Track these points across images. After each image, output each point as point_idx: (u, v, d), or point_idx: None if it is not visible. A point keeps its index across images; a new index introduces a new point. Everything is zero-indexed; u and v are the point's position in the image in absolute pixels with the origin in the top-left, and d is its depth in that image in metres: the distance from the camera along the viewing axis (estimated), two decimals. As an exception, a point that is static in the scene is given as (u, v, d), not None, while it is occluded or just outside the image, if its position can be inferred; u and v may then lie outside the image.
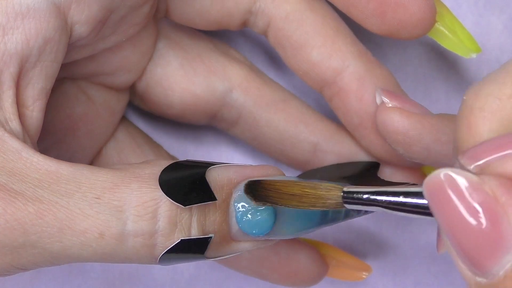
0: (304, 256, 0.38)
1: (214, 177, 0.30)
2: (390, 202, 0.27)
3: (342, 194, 0.29)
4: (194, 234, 0.30)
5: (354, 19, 0.36)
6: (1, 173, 0.29)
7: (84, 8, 0.31)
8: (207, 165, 0.31)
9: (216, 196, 0.30)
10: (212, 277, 0.42)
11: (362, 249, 0.41)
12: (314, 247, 0.39)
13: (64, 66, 0.33)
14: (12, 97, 0.30)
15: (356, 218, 0.34)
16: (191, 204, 0.29)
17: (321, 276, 0.39)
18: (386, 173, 0.38)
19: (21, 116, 0.30)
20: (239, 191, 0.31)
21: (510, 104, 0.27)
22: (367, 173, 0.38)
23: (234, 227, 0.31)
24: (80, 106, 0.37)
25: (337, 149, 0.39)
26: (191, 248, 0.30)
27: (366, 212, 0.33)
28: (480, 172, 0.25)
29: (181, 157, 0.41)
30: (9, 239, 0.28)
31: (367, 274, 0.40)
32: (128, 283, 0.41)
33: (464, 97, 0.28)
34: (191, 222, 0.30)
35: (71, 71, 0.36)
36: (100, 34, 0.33)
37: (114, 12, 0.33)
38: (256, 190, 0.30)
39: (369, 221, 0.42)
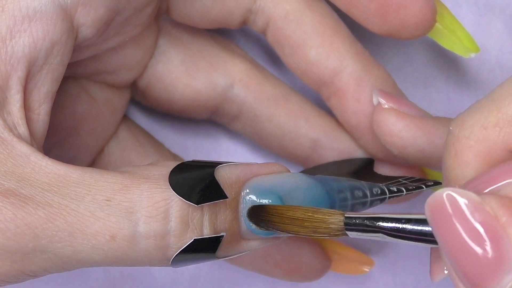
0: (306, 251, 0.38)
1: (222, 175, 0.30)
2: (391, 228, 0.27)
3: (343, 218, 0.28)
4: (206, 233, 0.29)
5: (355, 19, 0.36)
6: (11, 178, 0.29)
7: (90, 11, 0.31)
8: (215, 164, 0.31)
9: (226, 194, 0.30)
10: (212, 277, 0.42)
11: (363, 248, 0.41)
12: (316, 241, 0.39)
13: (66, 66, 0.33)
14: (20, 102, 0.30)
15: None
16: (203, 203, 0.29)
17: (324, 271, 0.39)
18: (383, 171, 0.39)
19: (27, 120, 0.30)
20: (247, 189, 0.31)
21: (495, 133, 0.27)
22: (364, 169, 0.38)
23: (244, 225, 0.31)
24: (82, 105, 0.37)
25: (337, 145, 0.39)
26: (204, 247, 0.29)
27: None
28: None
29: (183, 153, 0.41)
30: (20, 245, 0.28)
31: (369, 267, 0.40)
32: (128, 283, 0.41)
33: (451, 127, 0.29)
34: (203, 221, 0.29)
35: (74, 70, 0.36)
36: (104, 35, 0.33)
37: (119, 14, 0.33)
38: (259, 215, 0.30)
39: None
